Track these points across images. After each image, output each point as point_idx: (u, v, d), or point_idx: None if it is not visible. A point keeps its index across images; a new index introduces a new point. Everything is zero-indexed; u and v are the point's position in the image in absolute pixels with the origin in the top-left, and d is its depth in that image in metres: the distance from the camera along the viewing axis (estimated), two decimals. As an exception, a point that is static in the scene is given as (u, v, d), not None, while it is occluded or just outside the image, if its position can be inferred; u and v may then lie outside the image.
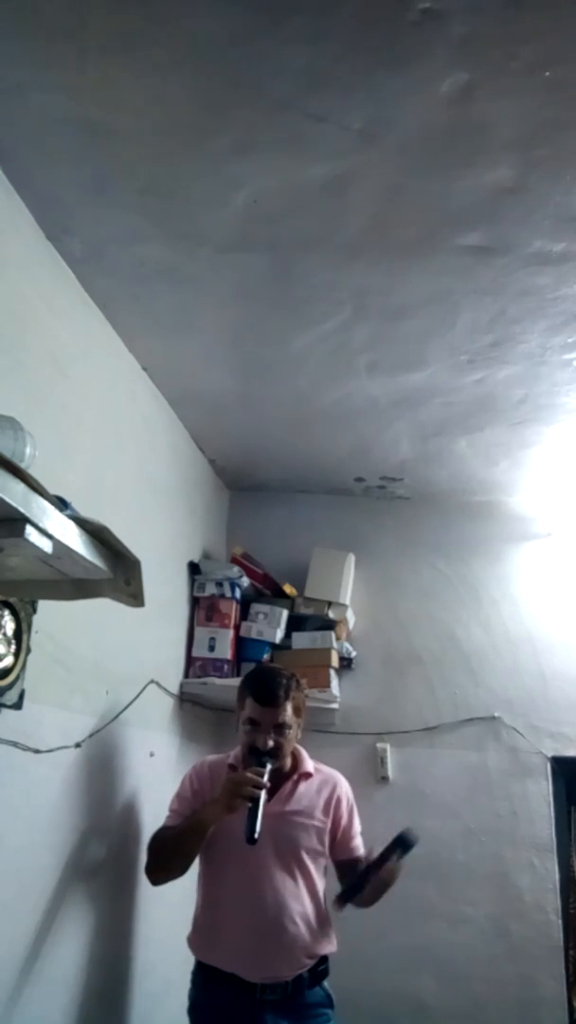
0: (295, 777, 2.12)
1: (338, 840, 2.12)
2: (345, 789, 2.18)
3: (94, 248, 1.84)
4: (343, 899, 1.98)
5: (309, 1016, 1.99)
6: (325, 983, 2.06)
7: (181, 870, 2.04)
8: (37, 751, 1.69)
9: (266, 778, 1.92)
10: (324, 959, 2.06)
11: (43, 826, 1.74)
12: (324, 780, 2.16)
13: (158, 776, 2.40)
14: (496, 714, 2.96)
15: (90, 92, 1.42)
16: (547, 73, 1.32)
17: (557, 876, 2.78)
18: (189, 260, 1.86)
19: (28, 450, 1.27)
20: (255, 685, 2.09)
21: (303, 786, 2.12)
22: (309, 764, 2.17)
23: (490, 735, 2.95)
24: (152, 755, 2.37)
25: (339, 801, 2.14)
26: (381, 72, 1.35)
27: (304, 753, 2.19)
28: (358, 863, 2.07)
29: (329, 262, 1.84)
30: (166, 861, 2.03)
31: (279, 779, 2.09)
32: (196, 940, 2.08)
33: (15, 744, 1.61)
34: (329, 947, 2.06)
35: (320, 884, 2.09)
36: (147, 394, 2.44)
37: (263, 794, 1.88)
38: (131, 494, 2.28)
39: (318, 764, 2.20)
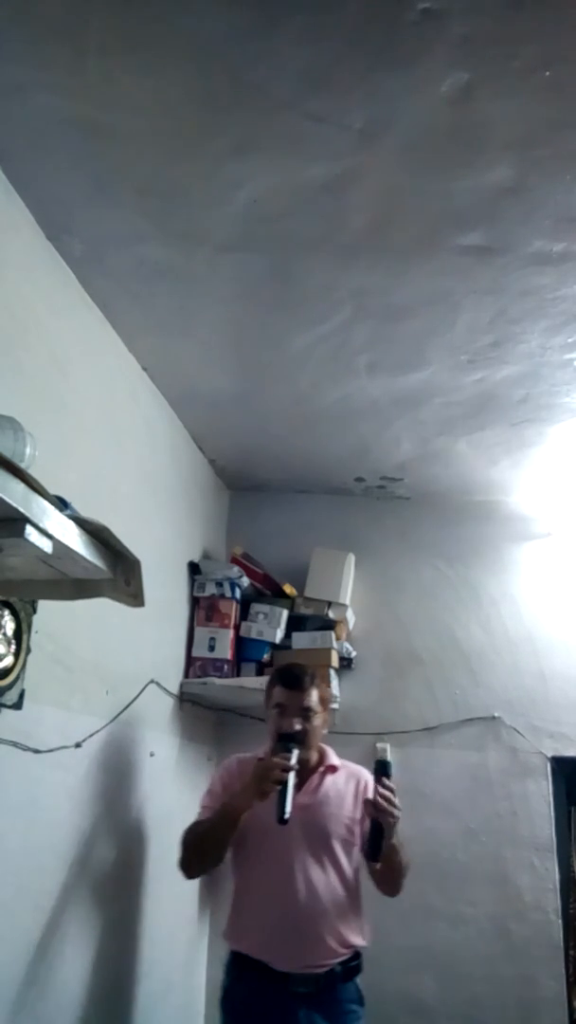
0: (322, 770, 2.17)
1: (364, 832, 2.11)
2: (372, 782, 2.19)
3: (94, 248, 1.84)
4: (370, 850, 2.00)
5: (341, 1012, 2.00)
6: (358, 979, 2.07)
7: (216, 861, 2.09)
8: (37, 751, 1.69)
9: (294, 761, 1.95)
10: (357, 955, 2.07)
11: (43, 826, 1.74)
12: (351, 773, 2.21)
13: (158, 776, 2.40)
14: (496, 714, 2.96)
15: (90, 92, 1.42)
16: (547, 73, 1.32)
17: (557, 876, 2.78)
18: (189, 260, 1.86)
19: (28, 450, 1.27)
20: (282, 672, 2.20)
21: (330, 779, 2.17)
22: (335, 758, 2.22)
23: (490, 735, 2.95)
24: (152, 755, 2.37)
25: (367, 789, 2.15)
26: (381, 72, 1.35)
27: (330, 750, 2.24)
28: None
29: (329, 262, 1.84)
30: (200, 853, 2.08)
31: (306, 772, 2.13)
32: (229, 929, 2.11)
33: (15, 744, 1.61)
34: (361, 939, 2.08)
35: (350, 875, 2.10)
36: (147, 394, 2.44)
37: (292, 776, 1.92)
38: (131, 494, 2.28)
39: (343, 760, 2.24)
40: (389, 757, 2.04)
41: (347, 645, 3.04)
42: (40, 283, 1.78)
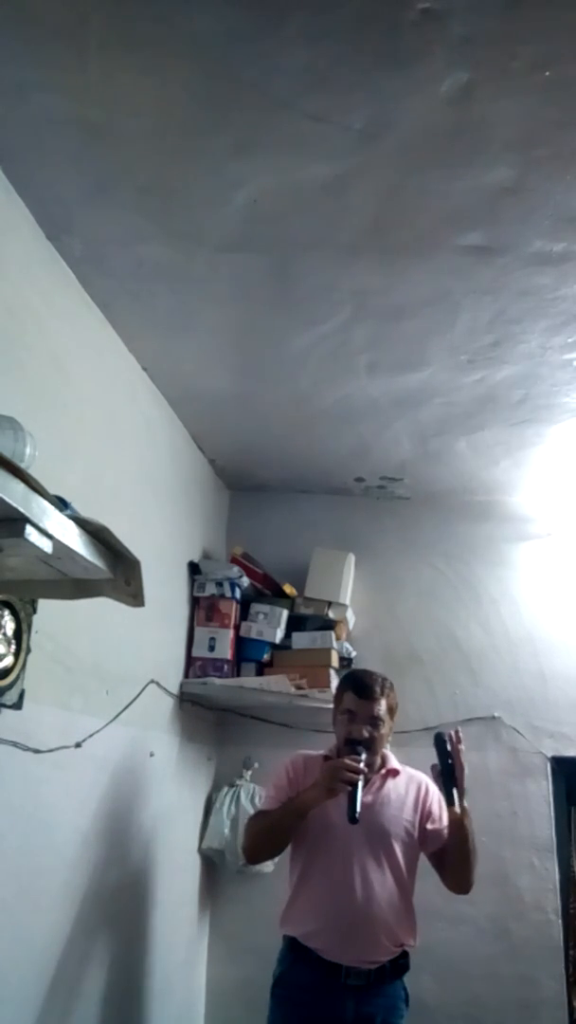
0: (383, 773, 2.22)
1: (429, 832, 2.18)
2: (432, 786, 2.23)
3: (94, 248, 1.84)
4: (447, 792, 2.07)
5: (388, 1008, 2.05)
6: (404, 979, 2.12)
7: (279, 849, 2.19)
8: (37, 751, 1.69)
9: (362, 764, 2.03)
10: (405, 955, 2.12)
11: (43, 826, 1.74)
12: (411, 777, 2.26)
13: (158, 776, 2.40)
14: (496, 714, 2.96)
15: (90, 92, 1.42)
16: (547, 73, 1.32)
17: (557, 876, 2.79)
18: (189, 260, 1.86)
19: (28, 450, 1.28)
20: (355, 680, 2.24)
21: (391, 782, 2.22)
22: (396, 763, 2.26)
23: (490, 735, 2.95)
24: (152, 755, 2.37)
25: (427, 794, 2.22)
26: (381, 72, 1.35)
27: (391, 754, 2.27)
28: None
29: (329, 262, 1.84)
30: (266, 840, 2.17)
31: (369, 775, 2.16)
32: (287, 916, 2.16)
33: (15, 744, 1.62)
34: (412, 939, 2.13)
35: (407, 877, 2.15)
36: (147, 394, 2.44)
37: (361, 778, 2.00)
38: (131, 494, 2.28)
39: (403, 765, 2.28)
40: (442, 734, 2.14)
41: (347, 645, 3.04)
42: (40, 283, 1.78)
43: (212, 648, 2.77)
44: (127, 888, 2.19)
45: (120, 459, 2.21)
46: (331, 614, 3.00)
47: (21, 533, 1.10)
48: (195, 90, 1.41)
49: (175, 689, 2.64)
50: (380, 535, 3.24)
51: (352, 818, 1.94)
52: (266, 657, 2.89)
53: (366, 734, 2.12)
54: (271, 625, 2.90)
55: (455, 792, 2.06)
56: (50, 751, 1.75)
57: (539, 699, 2.96)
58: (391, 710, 2.21)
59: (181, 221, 1.74)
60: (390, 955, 2.07)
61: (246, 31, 1.29)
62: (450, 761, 2.06)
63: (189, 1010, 2.58)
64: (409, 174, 1.56)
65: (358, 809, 1.95)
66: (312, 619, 2.99)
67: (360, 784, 1.99)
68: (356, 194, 1.62)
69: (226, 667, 2.76)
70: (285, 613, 2.95)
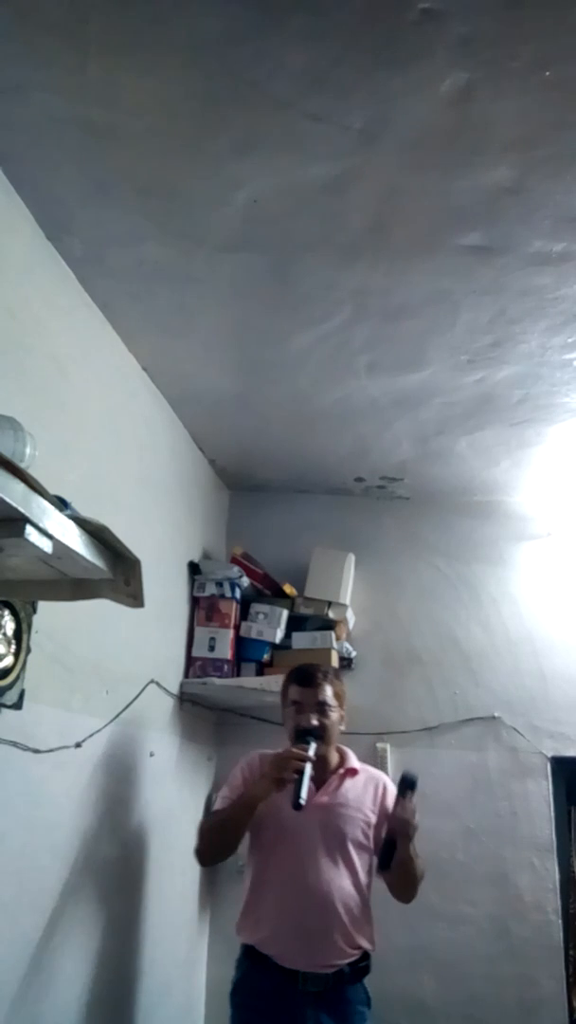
0: (341, 772, 2.19)
1: (386, 833, 2.13)
2: (391, 786, 2.22)
3: (94, 248, 1.84)
4: (381, 860, 2.05)
5: (348, 1012, 2.01)
6: (365, 981, 2.09)
7: (232, 849, 2.12)
8: (37, 751, 1.69)
9: (311, 753, 2.00)
10: (366, 956, 2.09)
11: (43, 826, 1.74)
12: (370, 777, 2.24)
13: (158, 776, 2.40)
14: (496, 714, 2.96)
15: (90, 92, 1.42)
16: (547, 73, 1.32)
17: (557, 876, 2.78)
18: (189, 260, 1.86)
19: (28, 450, 1.28)
20: (297, 671, 2.23)
21: (349, 781, 2.19)
22: (355, 761, 2.24)
23: (490, 735, 2.95)
24: (152, 755, 2.37)
25: (385, 794, 2.20)
26: (381, 72, 1.35)
27: (351, 752, 2.25)
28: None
29: (329, 262, 1.84)
30: (216, 839, 2.12)
31: (326, 773, 2.16)
32: (241, 923, 2.13)
33: (15, 744, 1.61)
34: (369, 942, 2.09)
35: (364, 878, 2.12)
36: (147, 394, 2.44)
37: (308, 767, 1.96)
38: (131, 494, 2.28)
39: (363, 764, 2.26)
40: (414, 774, 2.07)
41: (347, 645, 3.04)
42: (40, 283, 1.78)
43: (212, 648, 2.77)
44: (127, 888, 2.19)
45: (120, 459, 2.21)
46: (331, 614, 3.00)
47: (21, 533, 1.10)
48: (195, 90, 1.41)
49: (175, 689, 2.64)
50: (380, 535, 3.24)
51: (296, 804, 1.88)
52: (266, 657, 2.89)
53: (315, 722, 2.10)
54: (271, 625, 2.90)
55: (392, 858, 2.03)
56: (50, 751, 1.75)
57: (539, 699, 2.96)
58: (338, 696, 2.19)
59: (181, 221, 1.74)
60: (348, 959, 2.02)
61: (246, 31, 1.29)
62: (394, 836, 2.03)
63: (189, 1010, 2.58)
64: (409, 174, 1.56)
65: (303, 795, 1.89)
66: (312, 619, 2.99)
67: (308, 771, 1.95)
68: (356, 194, 1.62)
69: (226, 667, 2.76)
70: (285, 613, 2.95)
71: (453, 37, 1.27)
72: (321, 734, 2.10)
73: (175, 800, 2.55)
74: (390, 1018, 2.63)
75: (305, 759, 1.97)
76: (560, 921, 2.74)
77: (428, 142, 1.48)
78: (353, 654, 3.06)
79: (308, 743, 2.03)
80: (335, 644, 2.93)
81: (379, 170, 1.56)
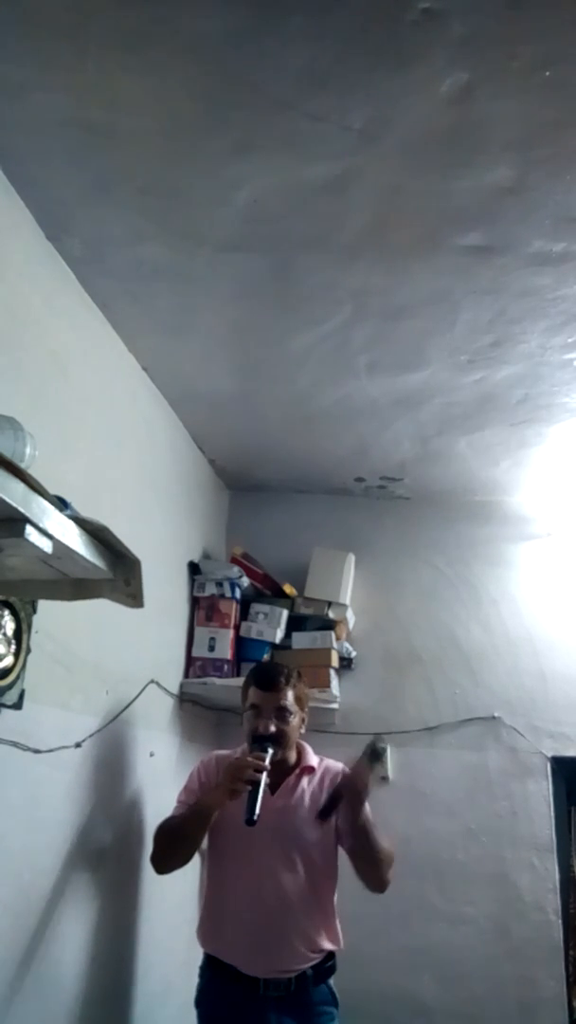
0: (298, 771, 2.12)
1: (343, 829, 2.07)
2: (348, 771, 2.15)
3: (94, 248, 1.84)
4: (321, 811, 2.01)
5: (313, 1014, 1.97)
6: (331, 981, 2.04)
7: (185, 858, 2.04)
8: (37, 751, 1.69)
9: (267, 762, 1.93)
10: (330, 956, 2.04)
11: (43, 826, 1.74)
12: (326, 770, 2.16)
13: (158, 776, 2.40)
14: (496, 714, 2.96)
15: (90, 92, 1.42)
16: (547, 73, 1.32)
17: (557, 876, 2.78)
18: (189, 260, 1.86)
19: (28, 450, 1.27)
20: (256, 672, 2.18)
21: (306, 780, 2.12)
22: (313, 759, 2.17)
23: (490, 735, 2.95)
24: (152, 755, 2.37)
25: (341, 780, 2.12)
26: (381, 72, 1.35)
27: (309, 749, 2.19)
28: None
29: (329, 262, 1.84)
30: (171, 848, 2.04)
31: (283, 774, 2.10)
32: (201, 931, 2.09)
33: (15, 744, 1.61)
34: (333, 943, 2.05)
35: (324, 877, 2.07)
36: (147, 394, 2.44)
37: (264, 777, 1.90)
38: (131, 494, 2.28)
39: (323, 759, 2.19)
40: (386, 748, 2.03)
41: (347, 645, 3.04)
42: (40, 283, 1.78)
43: (212, 648, 2.77)
44: (126, 889, 2.19)
45: (120, 459, 2.21)
46: (331, 614, 3.00)
47: (21, 533, 1.10)
48: (195, 90, 1.41)
49: (175, 689, 2.64)
50: (380, 535, 3.24)
51: (249, 820, 1.82)
52: (266, 657, 2.89)
53: (272, 728, 2.03)
54: (271, 625, 2.90)
55: (332, 808, 1.99)
56: (50, 751, 1.75)
57: (539, 699, 2.96)
58: (300, 700, 2.12)
59: (181, 221, 1.74)
60: (309, 962, 1.98)
61: (246, 31, 1.29)
62: (339, 789, 2.00)
63: (190, 1011, 2.57)
64: (409, 174, 1.56)
65: (256, 812, 1.82)
66: (312, 619, 2.99)
67: (263, 783, 1.88)
68: (356, 194, 1.62)
69: (226, 667, 2.76)
70: (285, 613, 2.95)
71: (453, 37, 1.27)
72: (279, 740, 2.04)
73: (175, 800, 2.55)
74: (390, 1018, 2.63)
75: (260, 768, 1.90)
76: (560, 921, 2.74)
77: (428, 142, 1.48)
78: (353, 654, 3.06)
79: (265, 750, 1.97)
80: (335, 644, 2.93)
81: (379, 170, 1.56)
